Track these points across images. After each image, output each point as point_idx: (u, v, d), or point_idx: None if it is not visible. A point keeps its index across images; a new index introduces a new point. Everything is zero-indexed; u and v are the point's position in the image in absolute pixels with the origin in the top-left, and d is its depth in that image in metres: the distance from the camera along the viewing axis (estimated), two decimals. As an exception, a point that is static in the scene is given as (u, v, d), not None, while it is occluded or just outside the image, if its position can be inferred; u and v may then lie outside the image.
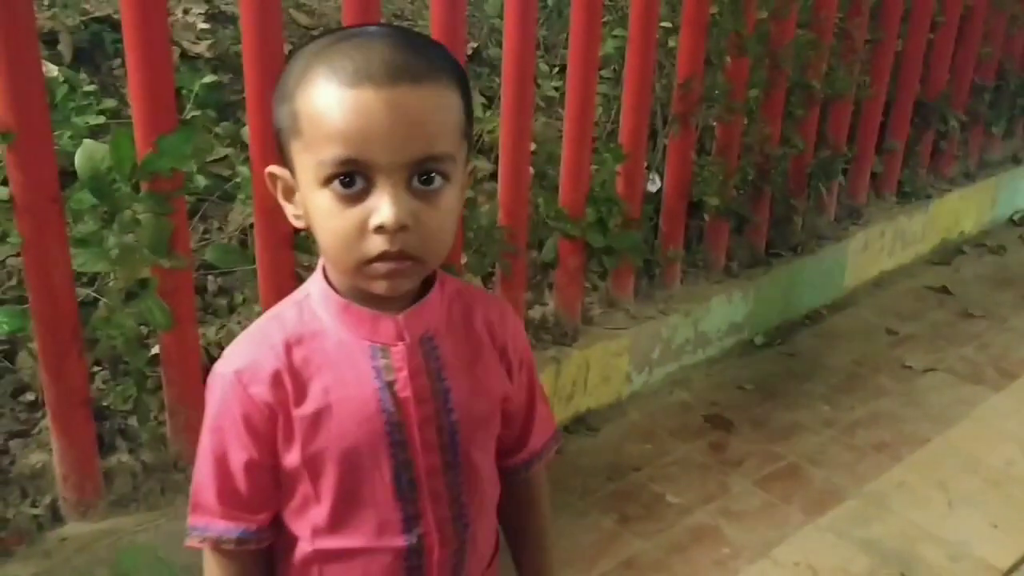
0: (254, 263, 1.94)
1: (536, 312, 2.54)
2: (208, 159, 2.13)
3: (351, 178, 0.84)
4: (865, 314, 3.25)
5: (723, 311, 2.86)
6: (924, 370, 2.91)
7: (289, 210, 0.94)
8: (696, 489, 2.34)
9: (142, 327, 1.82)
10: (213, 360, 1.97)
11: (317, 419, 0.92)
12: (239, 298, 2.10)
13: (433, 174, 0.86)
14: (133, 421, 1.90)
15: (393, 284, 0.88)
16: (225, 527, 0.97)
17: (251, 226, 2.02)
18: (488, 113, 2.70)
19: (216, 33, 3.05)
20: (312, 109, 0.85)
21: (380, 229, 0.84)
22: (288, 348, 0.93)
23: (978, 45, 3.65)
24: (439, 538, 0.98)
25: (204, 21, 3.26)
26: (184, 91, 2.93)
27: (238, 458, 0.94)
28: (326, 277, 0.95)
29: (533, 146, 2.41)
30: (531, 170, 2.39)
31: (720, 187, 2.77)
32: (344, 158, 0.83)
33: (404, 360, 0.93)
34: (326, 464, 0.94)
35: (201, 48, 3.14)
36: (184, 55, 3.13)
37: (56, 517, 1.77)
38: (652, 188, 2.76)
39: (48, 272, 1.62)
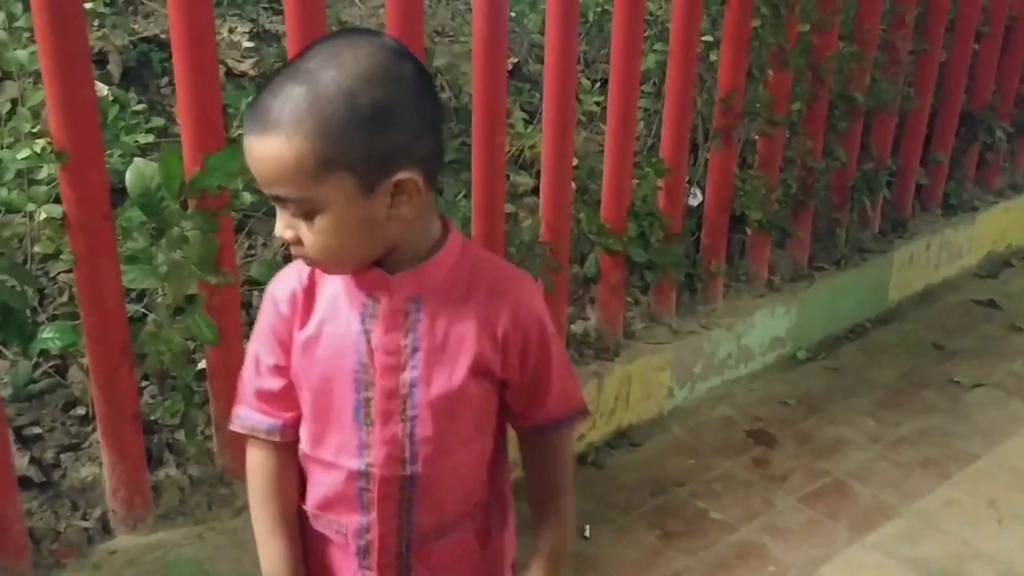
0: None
1: (578, 327, 2.53)
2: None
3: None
4: (911, 328, 3.21)
5: (766, 325, 2.84)
6: (972, 385, 2.86)
7: None
8: (740, 505, 2.32)
9: (189, 342, 1.85)
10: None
11: (308, 344, 1.08)
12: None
13: (288, 201, 0.98)
14: (180, 435, 1.92)
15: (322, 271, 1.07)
16: (258, 419, 1.14)
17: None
18: (529, 128, 2.71)
19: (260, 51, 3.09)
20: None
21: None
22: (311, 277, 1.09)
23: (1024, 55, 3.60)
24: (382, 473, 1.09)
25: (248, 40, 3.31)
26: (231, 109, 2.97)
27: (267, 362, 1.12)
28: None
29: (574, 161, 2.41)
30: (573, 185, 2.39)
31: (762, 201, 2.76)
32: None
33: (385, 313, 1.06)
34: (304, 384, 1.10)
35: (246, 66, 3.18)
36: (229, 73, 3.17)
37: (106, 530, 1.80)
38: (693, 202, 2.75)
39: (100, 288, 1.65)
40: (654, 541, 2.19)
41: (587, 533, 2.19)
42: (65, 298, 2.08)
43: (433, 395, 1.07)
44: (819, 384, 2.86)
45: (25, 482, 1.78)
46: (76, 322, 1.77)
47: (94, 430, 1.92)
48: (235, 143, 1.75)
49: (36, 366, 1.95)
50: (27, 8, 1.77)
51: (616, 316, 2.55)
